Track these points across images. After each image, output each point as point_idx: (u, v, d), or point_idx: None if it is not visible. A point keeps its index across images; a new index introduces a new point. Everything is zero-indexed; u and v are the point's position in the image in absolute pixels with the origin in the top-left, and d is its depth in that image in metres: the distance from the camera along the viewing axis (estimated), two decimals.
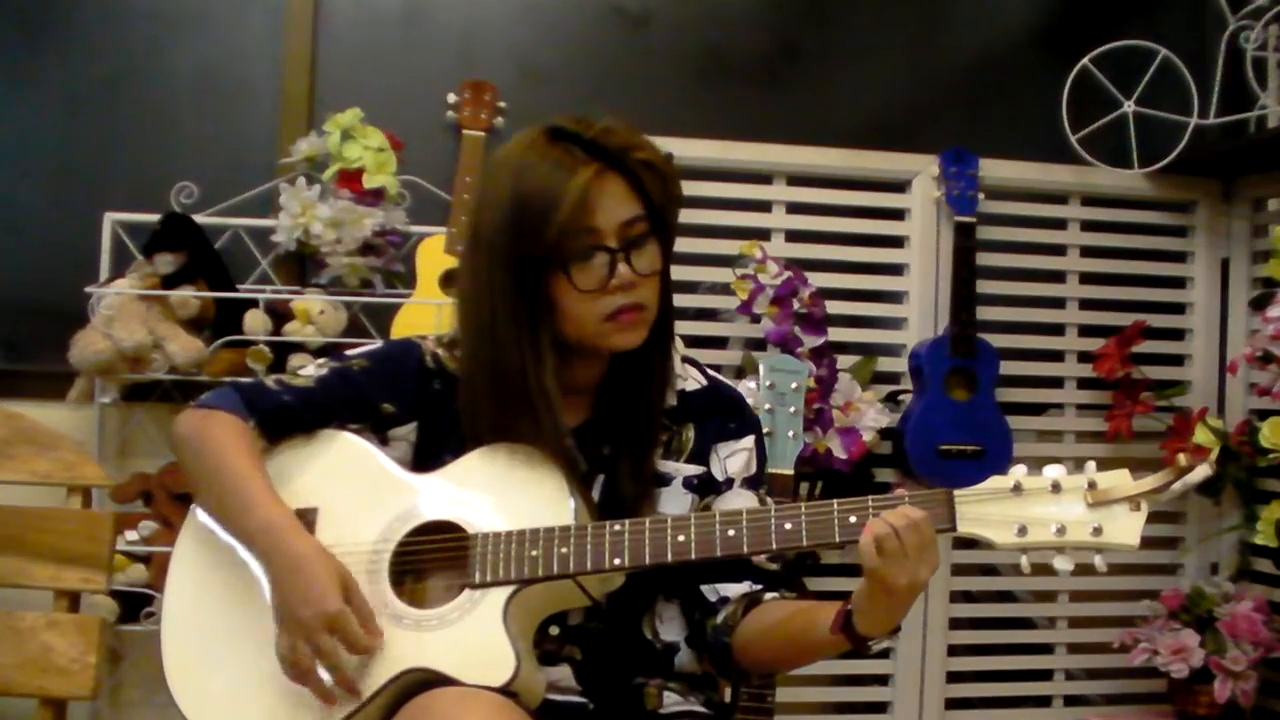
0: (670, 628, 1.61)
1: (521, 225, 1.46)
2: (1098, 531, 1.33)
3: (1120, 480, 1.34)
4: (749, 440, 1.65)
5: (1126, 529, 1.33)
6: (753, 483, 1.63)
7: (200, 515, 1.58)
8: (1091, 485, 1.34)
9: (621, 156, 1.48)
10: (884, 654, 2.80)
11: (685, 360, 1.68)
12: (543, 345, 1.50)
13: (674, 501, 1.58)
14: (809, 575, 2.72)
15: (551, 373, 1.50)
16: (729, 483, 1.62)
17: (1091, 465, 1.36)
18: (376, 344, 1.69)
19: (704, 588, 1.58)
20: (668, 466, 1.59)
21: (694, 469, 1.60)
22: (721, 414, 1.64)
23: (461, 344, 1.57)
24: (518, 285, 1.48)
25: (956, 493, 1.36)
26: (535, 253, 1.46)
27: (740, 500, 1.60)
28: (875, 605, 1.36)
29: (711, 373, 1.70)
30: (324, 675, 1.41)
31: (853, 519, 1.38)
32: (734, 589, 1.57)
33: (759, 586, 1.57)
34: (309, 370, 1.61)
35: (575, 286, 1.47)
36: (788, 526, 1.40)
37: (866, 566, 1.33)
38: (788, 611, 1.52)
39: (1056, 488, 1.35)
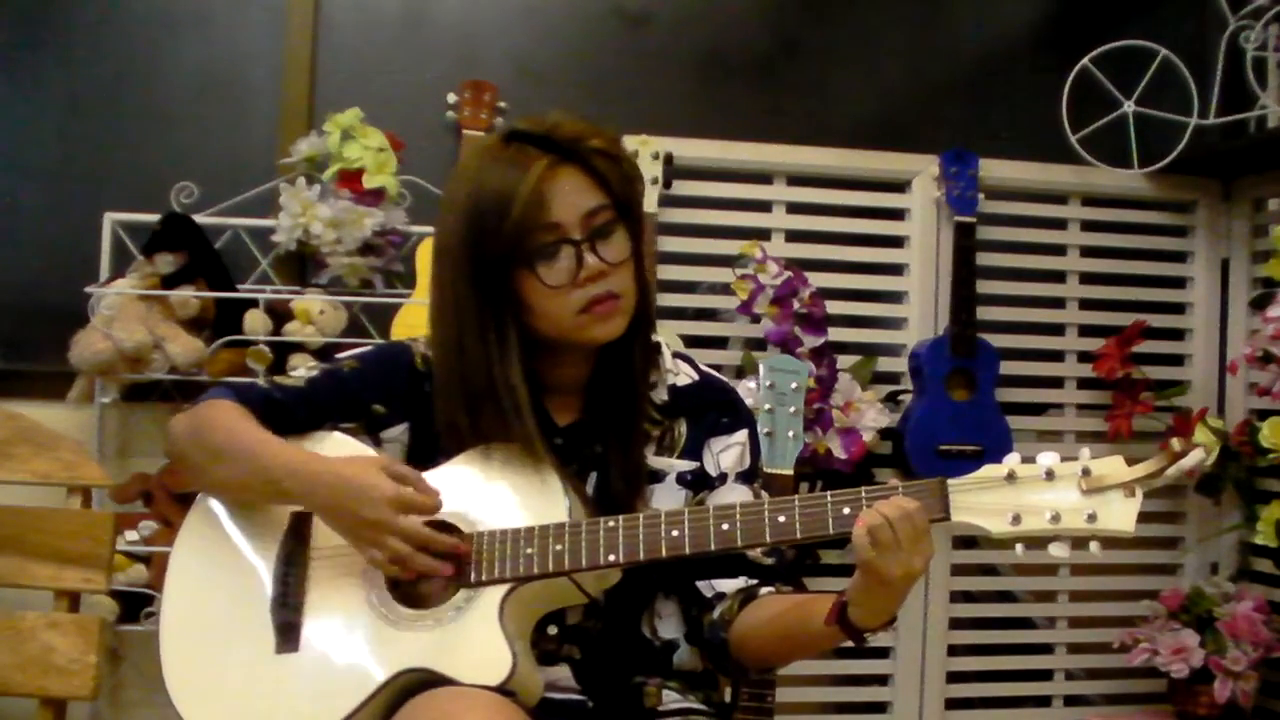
0: (669, 625, 1.61)
1: (479, 226, 1.46)
2: (1092, 518, 1.32)
3: (1114, 467, 1.33)
4: (742, 434, 1.64)
5: (1121, 515, 1.32)
6: (746, 477, 1.63)
7: (200, 514, 1.58)
8: (1085, 472, 1.33)
9: (574, 147, 1.48)
10: (883, 653, 2.80)
11: (677, 356, 1.68)
12: (509, 346, 1.49)
13: (667, 498, 1.58)
14: (808, 575, 2.72)
15: (520, 373, 1.49)
16: (722, 478, 1.61)
17: (1085, 452, 1.35)
18: (368, 346, 1.69)
19: (700, 584, 1.57)
20: (660, 462, 1.59)
21: (687, 465, 1.60)
22: (714, 409, 1.64)
23: (433, 357, 1.57)
24: (480, 288, 1.48)
25: (950, 481, 1.35)
26: (494, 252, 1.46)
27: (734, 495, 1.59)
28: (870, 597, 1.35)
29: (704, 368, 1.69)
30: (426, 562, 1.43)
31: (846, 510, 1.38)
32: (729, 584, 1.57)
33: (754, 581, 1.57)
34: (300, 372, 1.62)
35: (544, 283, 1.47)
36: (781, 519, 1.40)
37: (860, 558, 1.33)
38: (783, 605, 1.52)
39: (1050, 475, 1.34)
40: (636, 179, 1.56)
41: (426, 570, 1.43)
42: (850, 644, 1.41)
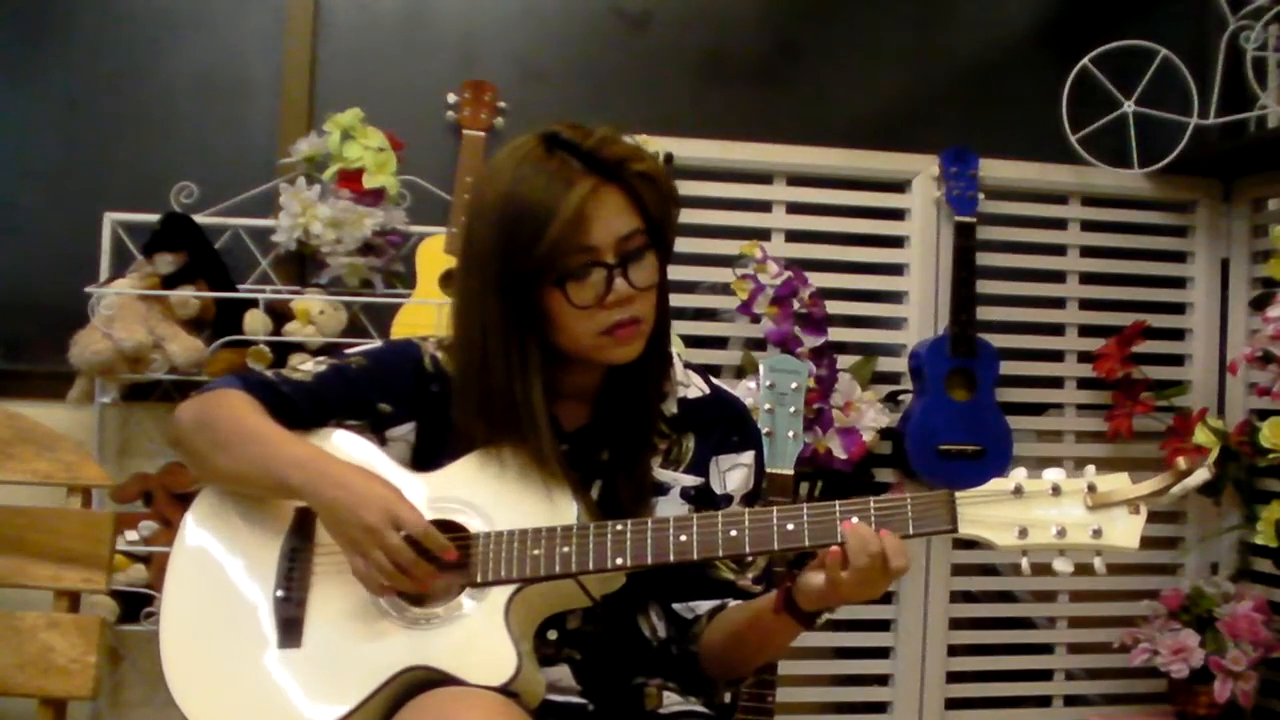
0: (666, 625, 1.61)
1: (514, 238, 1.44)
2: (1097, 534, 1.33)
3: (1120, 483, 1.34)
4: (749, 455, 1.64)
5: (1126, 531, 1.33)
6: (749, 500, 1.63)
7: (201, 511, 1.57)
8: (1091, 488, 1.34)
9: (619, 169, 1.45)
10: (884, 653, 2.81)
11: (688, 367, 1.67)
12: (531, 361, 1.48)
13: (671, 511, 1.56)
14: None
15: (539, 390, 1.48)
16: (727, 499, 1.61)
17: (1091, 469, 1.36)
18: (376, 343, 1.68)
19: (677, 606, 1.58)
20: (666, 475, 1.58)
21: (692, 480, 1.59)
22: (723, 425, 1.63)
23: (455, 358, 1.57)
24: (507, 298, 1.46)
25: (958, 494, 1.36)
26: (526, 266, 1.44)
27: None
28: (821, 600, 1.41)
29: (715, 381, 1.68)
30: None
31: (854, 520, 1.38)
32: (707, 606, 1.58)
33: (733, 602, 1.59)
34: (307, 366, 1.60)
35: (571, 302, 1.46)
36: (790, 527, 1.39)
37: (829, 576, 1.37)
38: (740, 607, 1.55)
39: (1056, 490, 1.35)
40: (674, 202, 1.54)
41: (400, 589, 1.42)
42: (805, 630, 1.46)
